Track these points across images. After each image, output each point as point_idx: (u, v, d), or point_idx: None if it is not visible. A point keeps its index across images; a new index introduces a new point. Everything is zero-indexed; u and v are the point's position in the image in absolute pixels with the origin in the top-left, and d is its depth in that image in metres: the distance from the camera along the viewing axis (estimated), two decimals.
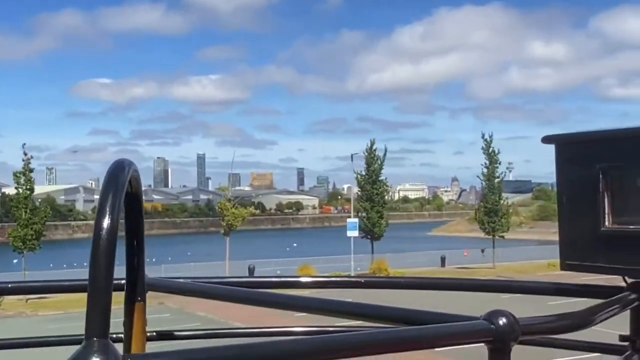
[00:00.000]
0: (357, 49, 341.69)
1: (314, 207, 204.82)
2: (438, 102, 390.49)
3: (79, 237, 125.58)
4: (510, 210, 72.70)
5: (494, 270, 58.56)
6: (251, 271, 52.09)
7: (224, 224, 58.34)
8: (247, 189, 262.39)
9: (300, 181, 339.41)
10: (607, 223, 2.18)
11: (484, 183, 68.51)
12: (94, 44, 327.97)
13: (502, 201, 68.82)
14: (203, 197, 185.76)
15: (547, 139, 2.32)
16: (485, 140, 66.16)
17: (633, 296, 2.07)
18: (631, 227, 2.14)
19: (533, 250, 74.00)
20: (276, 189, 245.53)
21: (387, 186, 67.81)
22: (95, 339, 1.08)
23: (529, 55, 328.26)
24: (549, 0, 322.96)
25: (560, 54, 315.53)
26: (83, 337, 1.09)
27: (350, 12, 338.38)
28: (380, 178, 65.01)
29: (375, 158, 64.79)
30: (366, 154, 65.12)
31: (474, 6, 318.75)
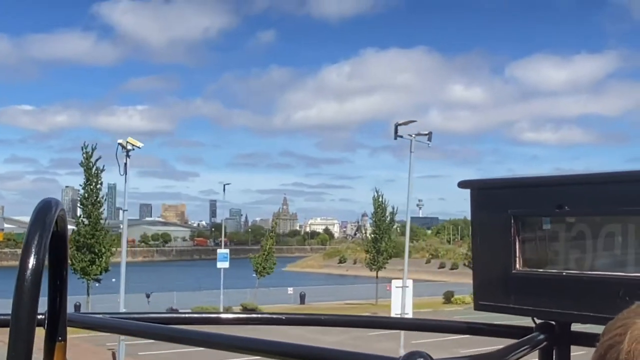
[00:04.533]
0: (284, 85, 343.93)
1: (184, 239, 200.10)
2: (360, 140, 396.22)
3: None
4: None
5: None
6: None
7: None
8: (158, 219, 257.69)
9: (213, 213, 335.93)
10: (517, 266, 2.28)
11: (80, 209, 47.68)
12: (18, 70, 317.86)
13: (106, 235, 47.71)
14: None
15: (463, 184, 2.42)
16: (86, 152, 45.59)
17: (541, 337, 2.16)
18: (540, 270, 2.25)
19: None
20: (149, 220, 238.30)
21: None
22: None
23: (448, 98, 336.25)
24: (471, 46, 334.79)
25: (477, 97, 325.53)
26: None
27: (280, 49, 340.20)
28: None
29: None
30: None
31: (400, 49, 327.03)
